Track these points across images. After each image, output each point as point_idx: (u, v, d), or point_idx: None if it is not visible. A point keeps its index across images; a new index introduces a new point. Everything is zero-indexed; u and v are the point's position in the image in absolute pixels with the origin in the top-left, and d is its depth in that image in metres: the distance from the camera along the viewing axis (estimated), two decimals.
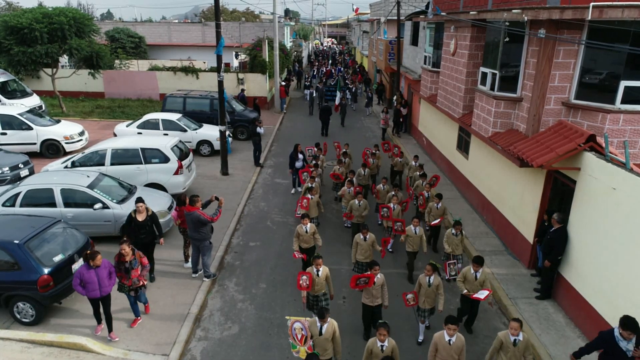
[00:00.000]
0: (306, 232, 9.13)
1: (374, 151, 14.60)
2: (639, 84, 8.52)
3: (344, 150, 15.06)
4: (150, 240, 9.05)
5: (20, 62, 21.52)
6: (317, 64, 47.51)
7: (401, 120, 21.68)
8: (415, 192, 12.28)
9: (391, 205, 10.62)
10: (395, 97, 23.06)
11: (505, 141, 10.19)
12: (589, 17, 7.98)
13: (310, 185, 11.53)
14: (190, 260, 9.74)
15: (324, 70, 39.03)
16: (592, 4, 7.89)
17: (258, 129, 16.76)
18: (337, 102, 24.09)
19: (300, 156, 14.12)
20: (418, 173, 12.88)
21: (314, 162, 13.51)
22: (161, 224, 10.43)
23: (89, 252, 7.19)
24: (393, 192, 11.03)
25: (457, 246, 9.38)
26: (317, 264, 7.52)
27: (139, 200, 8.87)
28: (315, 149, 15.10)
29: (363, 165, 13.41)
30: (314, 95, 27.85)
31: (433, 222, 10.44)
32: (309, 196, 10.87)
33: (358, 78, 37.09)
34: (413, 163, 13.96)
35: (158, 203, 10.85)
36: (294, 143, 14.95)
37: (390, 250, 11.00)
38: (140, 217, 8.81)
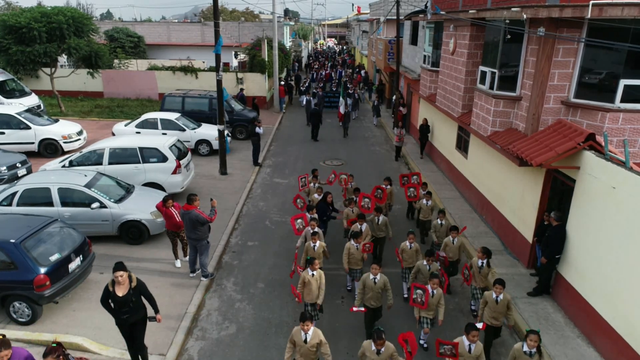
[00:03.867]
0: (305, 341, 5.99)
1: (385, 185, 11.01)
2: (638, 82, 8.49)
3: (352, 184, 11.47)
4: (138, 320, 6.55)
5: (19, 61, 21.48)
6: (316, 65, 43.58)
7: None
8: (444, 253, 8.78)
9: (429, 288, 7.19)
10: (394, 97, 23.00)
11: (505, 140, 10.15)
12: (589, 16, 7.97)
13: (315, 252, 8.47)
14: (179, 259, 9.84)
15: (323, 73, 36.15)
16: (591, 2, 7.87)
17: (257, 129, 16.72)
18: (341, 111, 22.01)
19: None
20: (440, 221, 9.57)
21: (310, 217, 9.49)
22: (158, 224, 10.46)
23: None
24: (426, 262, 7.87)
25: None
26: None
27: (119, 267, 6.24)
28: (310, 178, 11.61)
29: (377, 210, 9.59)
30: (312, 102, 23.95)
31: (480, 325, 6.78)
32: (309, 271, 7.40)
33: (358, 79, 36.02)
34: (424, 202, 10.65)
35: (155, 203, 10.80)
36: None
37: (424, 346, 7.68)
38: (120, 291, 6.23)
